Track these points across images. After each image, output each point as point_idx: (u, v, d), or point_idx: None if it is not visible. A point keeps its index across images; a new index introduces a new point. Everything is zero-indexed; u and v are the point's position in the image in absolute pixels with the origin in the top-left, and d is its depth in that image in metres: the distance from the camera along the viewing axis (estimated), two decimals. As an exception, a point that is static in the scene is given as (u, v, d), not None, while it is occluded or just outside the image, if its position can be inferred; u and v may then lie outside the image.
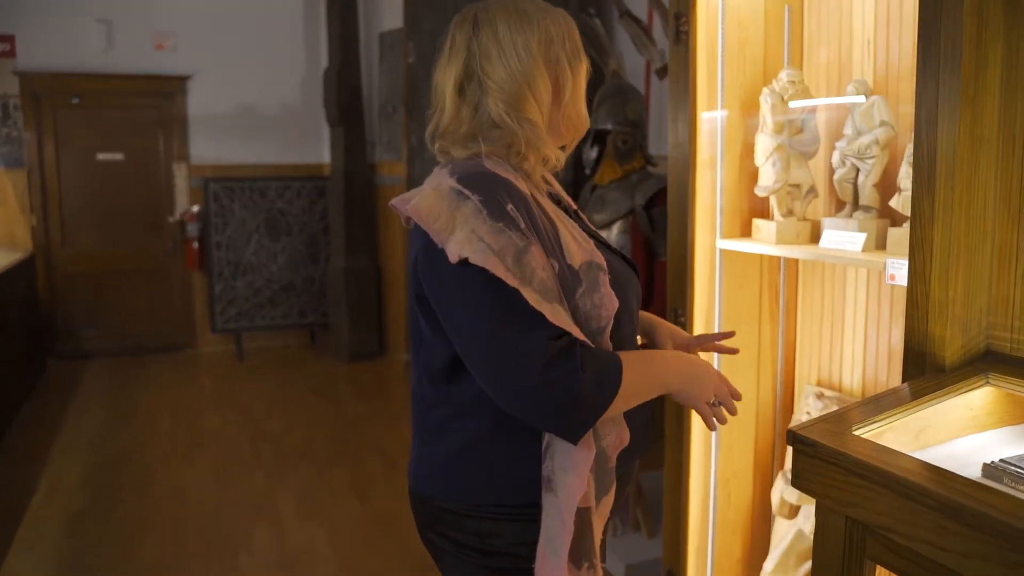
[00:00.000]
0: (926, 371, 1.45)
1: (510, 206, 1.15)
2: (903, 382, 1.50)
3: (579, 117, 1.34)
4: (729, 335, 1.57)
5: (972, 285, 1.42)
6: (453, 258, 1.12)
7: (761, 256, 2.19)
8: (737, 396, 1.41)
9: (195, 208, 6.35)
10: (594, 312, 1.21)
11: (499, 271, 1.11)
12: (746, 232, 2.17)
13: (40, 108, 6.09)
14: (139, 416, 4.94)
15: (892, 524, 1.14)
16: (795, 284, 2.29)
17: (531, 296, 1.12)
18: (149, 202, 6.41)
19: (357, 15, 6.01)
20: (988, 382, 1.39)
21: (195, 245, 6.33)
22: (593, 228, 1.45)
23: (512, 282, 1.11)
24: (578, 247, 1.23)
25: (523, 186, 1.23)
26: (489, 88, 1.25)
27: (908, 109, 1.89)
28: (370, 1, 6.13)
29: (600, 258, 1.24)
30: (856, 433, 1.27)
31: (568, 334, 1.15)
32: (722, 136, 2.10)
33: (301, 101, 6.60)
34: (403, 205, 1.23)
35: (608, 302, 1.22)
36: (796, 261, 2.25)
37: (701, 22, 2.02)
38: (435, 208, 1.16)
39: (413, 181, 5.49)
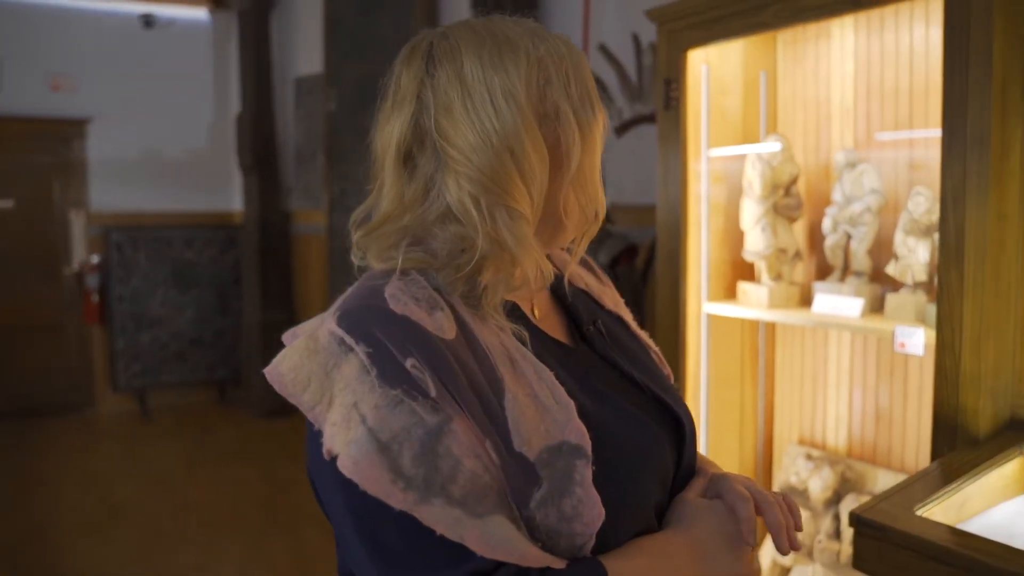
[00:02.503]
0: (957, 442, 1.48)
1: (411, 361, 0.73)
2: (933, 451, 1.52)
3: (591, 197, 0.88)
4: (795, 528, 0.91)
5: (999, 357, 1.46)
6: (325, 451, 0.73)
7: (741, 319, 2.21)
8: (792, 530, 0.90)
9: (95, 259, 5.98)
10: (563, 527, 0.74)
11: (377, 487, 0.69)
12: (729, 295, 2.19)
13: (-81, 153, 5.64)
14: (42, 487, 4.55)
15: (971, 608, 1.14)
16: (773, 345, 2.32)
17: (440, 516, 0.69)
18: (43, 252, 5.99)
19: (271, 59, 5.86)
20: (1021, 452, 1.43)
21: (95, 298, 5.95)
22: (625, 350, 0.97)
23: (400, 501, 0.69)
24: (541, 419, 0.77)
25: (443, 322, 0.78)
26: (448, 159, 0.80)
27: (890, 176, 1.96)
28: (285, 45, 6.00)
29: (581, 435, 0.78)
30: (920, 514, 1.27)
31: (511, 566, 0.72)
32: (707, 201, 2.11)
33: (210, 146, 6.35)
34: (290, 340, 0.85)
35: (587, 510, 0.75)
36: (773, 323, 2.28)
37: (689, 88, 2.04)
38: (301, 370, 0.76)
39: (333, 230, 5.36)
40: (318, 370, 0.76)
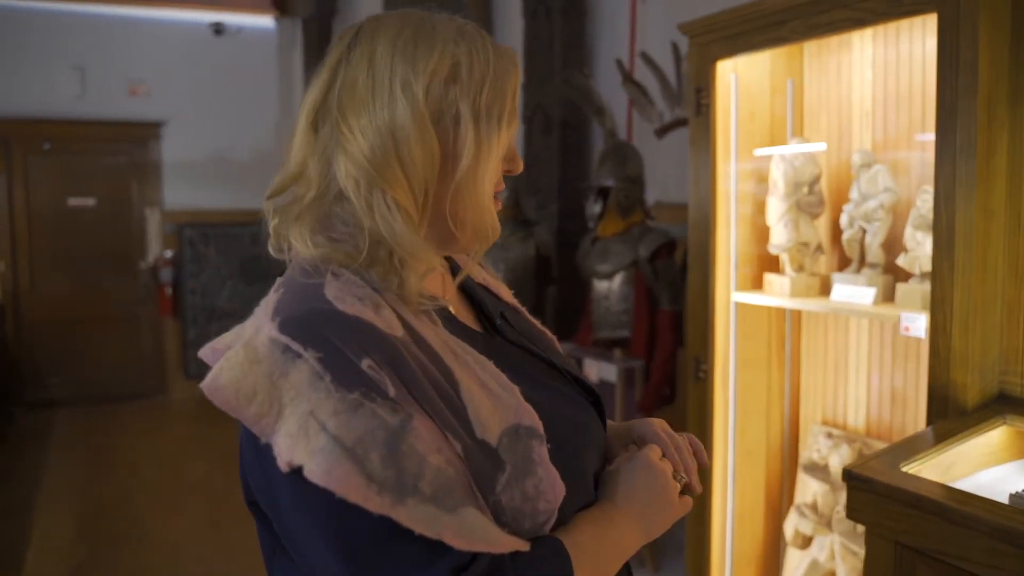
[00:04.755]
0: (948, 413, 1.65)
1: (368, 362, 0.73)
2: (928, 423, 1.70)
3: (477, 210, 0.86)
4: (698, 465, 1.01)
5: (986, 337, 1.63)
6: (283, 464, 0.71)
7: (768, 308, 2.39)
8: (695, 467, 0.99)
9: (168, 254, 6.36)
10: (527, 507, 0.77)
11: (354, 492, 0.69)
12: (756, 286, 2.37)
13: (10, 153, 6.07)
14: (120, 466, 4.92)
15: (943, 548, 1.32)
16: (798, 332, 2.49)
17: (416, 515, 0.70)
18: (121, 248, 6.40)
19: (333, 65, 6.16)
20: (1005, 422, 1.60)
21: (168, 291, 6.34)
22: (534, 337, 1.01)
23: (378, 505, 0.69)
24: (495, 406, 0.79)
25: (391, 320, 0.78)
26: (342, 136, 0.81)
27: (905, 175, 2.13)
28: (346, 52, 6.30)
29: (532, 416, 0.80)
30: (903, 470, 1.45)
31: (486, 555, 0.72)
32: (735, 198, 2.30)
33: (275, 147, 6.69)
34: (214, 357, 0.80)
35: (549, 487, 0.78)
36: (799, 312, 2.46)
37: (719, 95, 2.23)
38: (245, 381, 0.74)
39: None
40: (263, 380, 0.73)
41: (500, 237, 3.46)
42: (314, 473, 0.69)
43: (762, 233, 2.36)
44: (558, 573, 0.77)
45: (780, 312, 2.45)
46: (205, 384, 0.75)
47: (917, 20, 2.06)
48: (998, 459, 1.61)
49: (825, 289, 2.24)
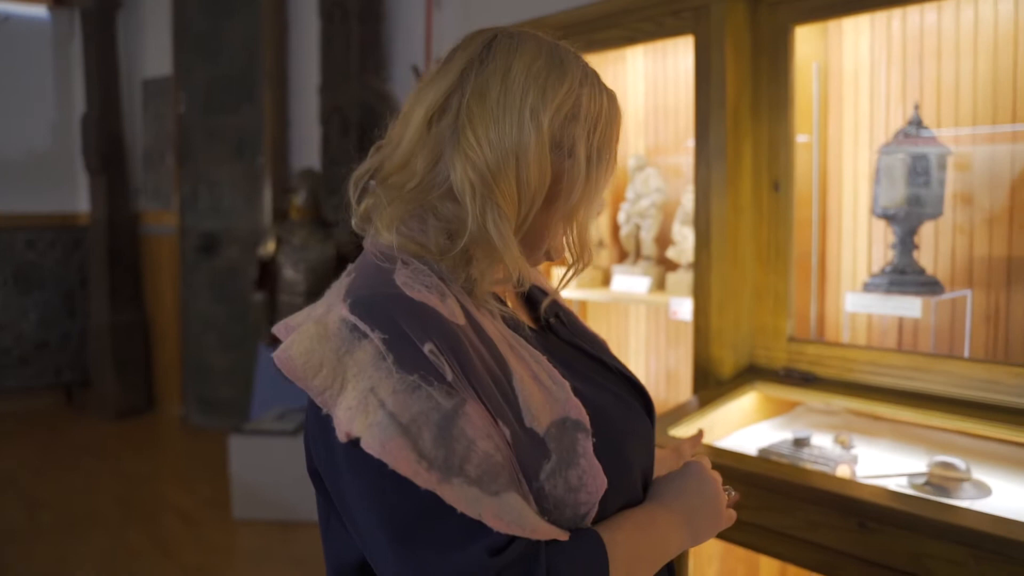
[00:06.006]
0: (709, 383, 1.90)
1: (429, 346, 0.77)
2: (693, 392, 1.94)
3: (578, 238, 0.94)
4: (697, 438, 1.20)
5: (738, 317, 1.89)
6: (341, 435, 0.75)
7: (560, 298, 2.58)
8: None
9: (-74, 262, 5.77)
10: (569, 497, 0.80)
11: (404, 466, 0.73)
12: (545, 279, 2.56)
13: None
14: None
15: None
16: (584, 320, 2.71)
17: (460, 494, 0.74)
18: None
19: (117, 61, 5.84)
20: (755, 389, 1.86)
21: (-73, 303, 5.74)
22: (586, 337, 1.04)
23: (426, 480, 0.74)
24: (545, 398, 0.83)
25: (454, 309, 0.83)
26: (464, 139, 0.85)
27: (673, 177, 2.39)
28: (131, 48, 5.99)
29: (579, 410, 0.83)
30: (671, 433, 1.66)
31: (523, 539, 0.76)
32: (527, 198, 2.48)
33: (52, 147, 6.24)
34: (286, 333, 0.86)
35: (591, 480, 0.81)
36: (585, 301, 2.68)
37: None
38: (313, 355, 0.79)
39: (185, 232, 5.43)
40: (330, 355, 0.78)
41: (299, 238, 3.44)
42: (370, 445, 0.74)
43: (552, 230, 2.55)
44: (594, 564, 0.80)
45: (567, 302, 2.66)
46: (277, 354, 0.80)
47: (680, 41, 2.32)
48: (750, 420, 1.87)
49: (607, 280, 2.47)
